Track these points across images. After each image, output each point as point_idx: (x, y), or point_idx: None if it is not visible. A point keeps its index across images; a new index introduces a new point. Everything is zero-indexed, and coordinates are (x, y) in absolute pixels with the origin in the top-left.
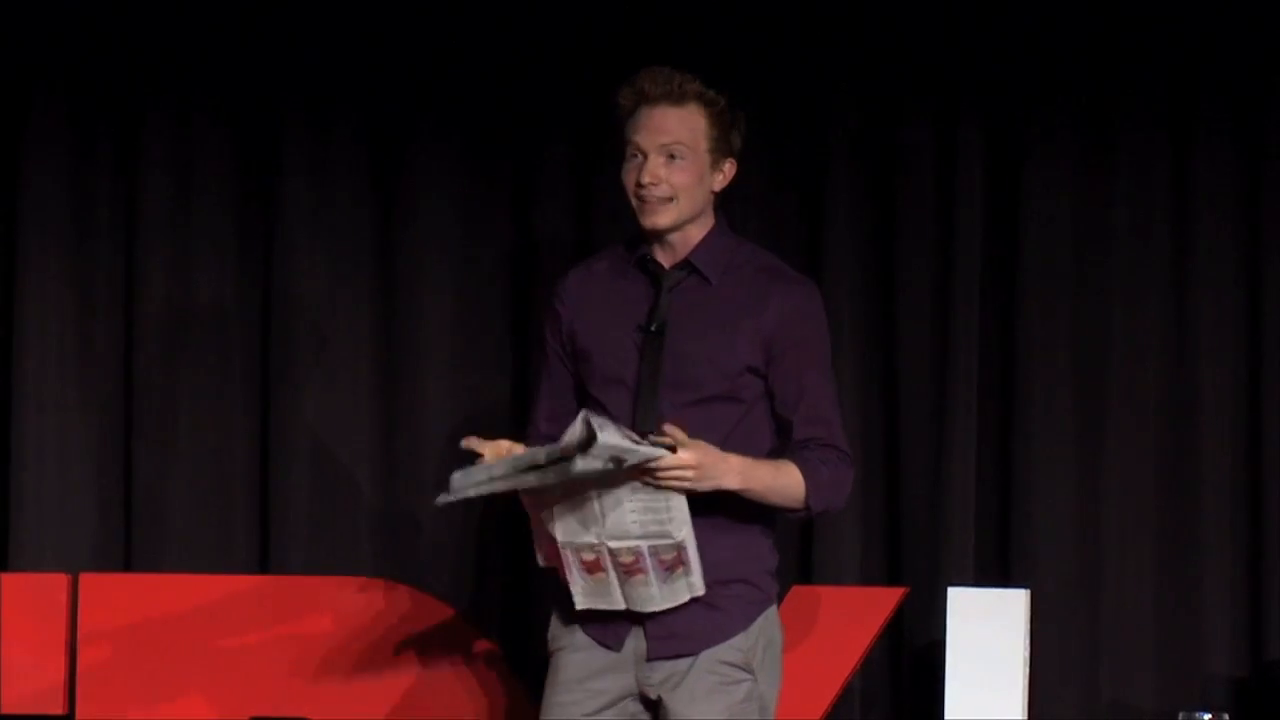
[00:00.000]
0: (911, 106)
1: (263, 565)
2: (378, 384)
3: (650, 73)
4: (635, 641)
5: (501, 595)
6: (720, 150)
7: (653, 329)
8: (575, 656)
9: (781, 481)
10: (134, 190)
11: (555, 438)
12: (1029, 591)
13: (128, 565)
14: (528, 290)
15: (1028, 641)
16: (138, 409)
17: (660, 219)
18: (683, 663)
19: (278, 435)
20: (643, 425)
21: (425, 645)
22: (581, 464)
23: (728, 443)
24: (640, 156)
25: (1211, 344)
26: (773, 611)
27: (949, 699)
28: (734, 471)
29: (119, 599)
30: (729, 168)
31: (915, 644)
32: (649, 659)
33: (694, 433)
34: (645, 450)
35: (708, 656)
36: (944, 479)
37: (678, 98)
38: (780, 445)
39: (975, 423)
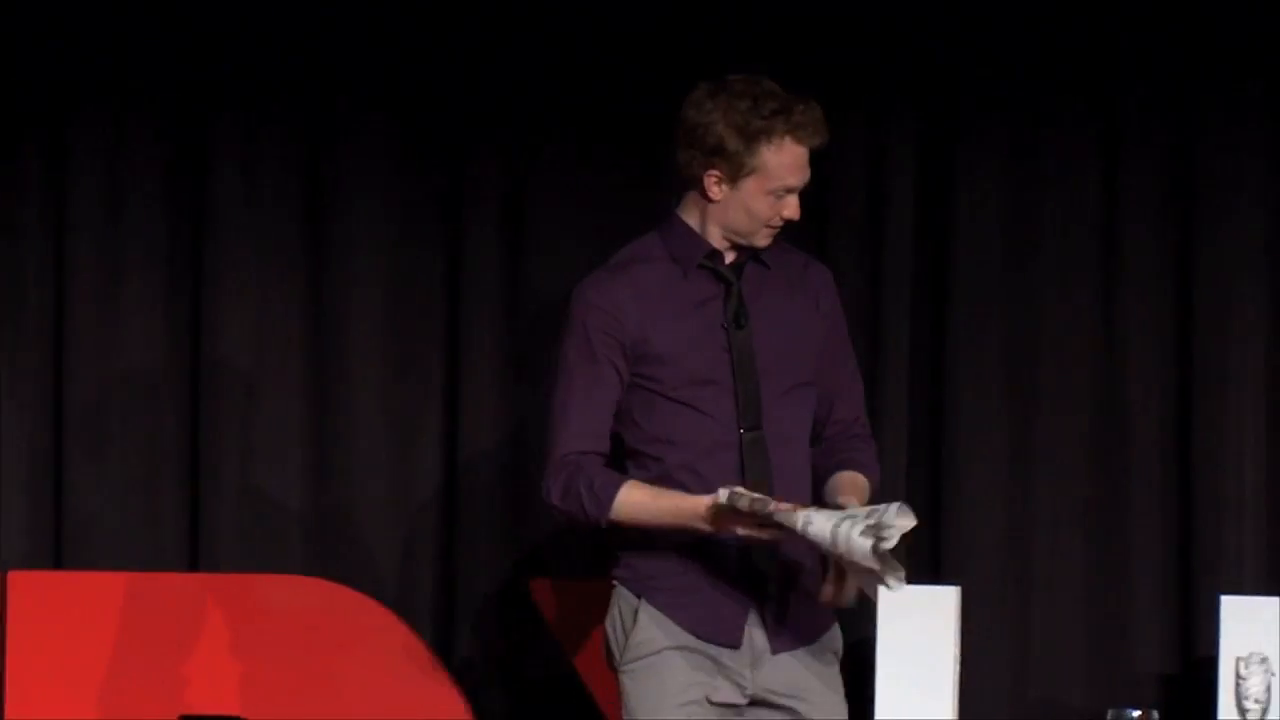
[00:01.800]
0: (842, 110)
1: (193, 563)
2: (309, 383)
3: (812, 111)
4: (750, 639)
5: (433, 593)
6: None
7: (740, 324)
8: (689, 655)
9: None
10: (62, 189)
11: (599, 454)
12: (959, 589)
13: (58, 563)
14: (458, 291)
15: (958, 639)
16: (68, 405)
17: (769, 243)
18: (800, 654)
19: (208, 433)
20: (746, 419)
21: (356, 643)
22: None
23: (808, 428)
24: (785, 194)
25: (1140, 343)
26: None
27: (879, 697)
28: None
29: (48, 597)
30: None
31: (846, 642)
32: (774, 653)
33: (790, 422)
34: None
35: (819, 646)
36: None
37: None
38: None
39: (907, 422)
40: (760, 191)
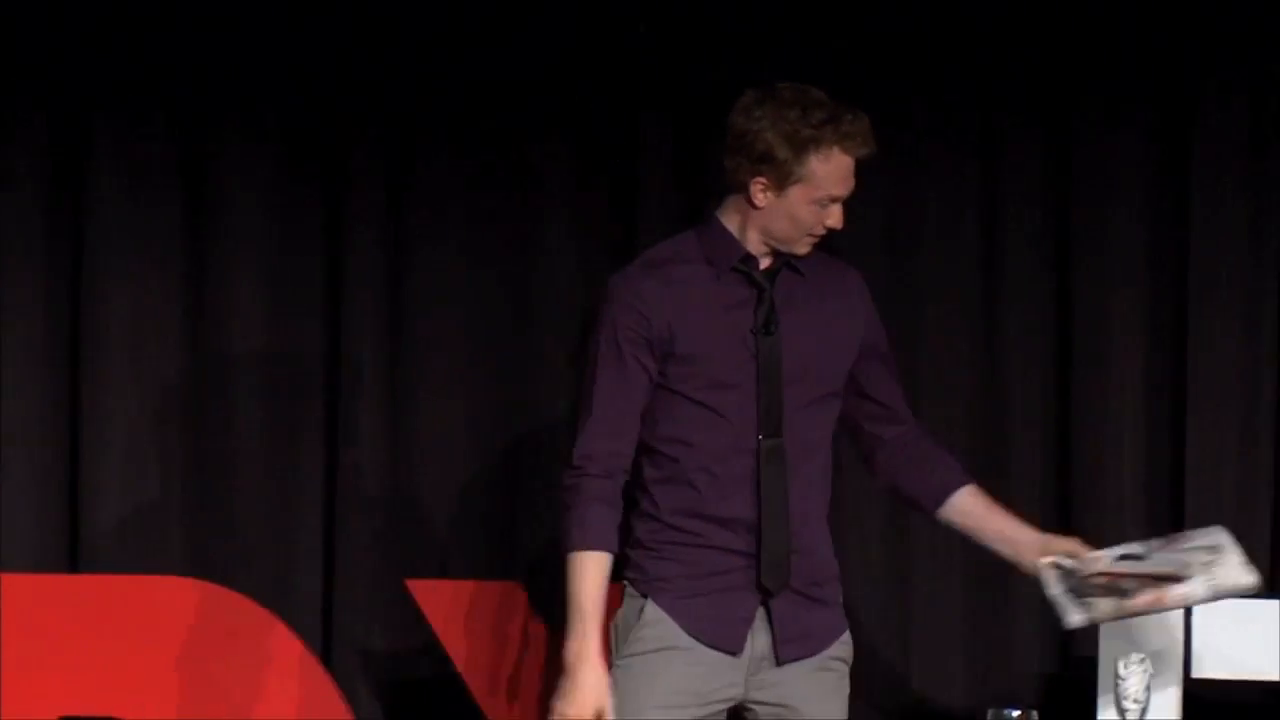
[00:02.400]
0: (722, 107)
1: (72, 564)
2: (188, 383)
3: (860, 121)
4: (751, 646)
5: (312, 594)
6: None
7: (768, 330)
8: (686, 657)
9: None
10: None
11: (621, 455)
12: None
13: None
14: (340, 289)
15: None
16: None
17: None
18: (807, 663)
19: (89, 433)
20: (766, 427)
21: (235, 644)
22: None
23: (829, 438)
24: (829, 204)
25: (1021, 343)
26: None
27: None
28: None
29: None
30: None
31: None
32: (780, 663)
33: (813, 431)
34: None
35: (826, 655)
36: None
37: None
38: (872, 427)
39: None
40: (806, 200)
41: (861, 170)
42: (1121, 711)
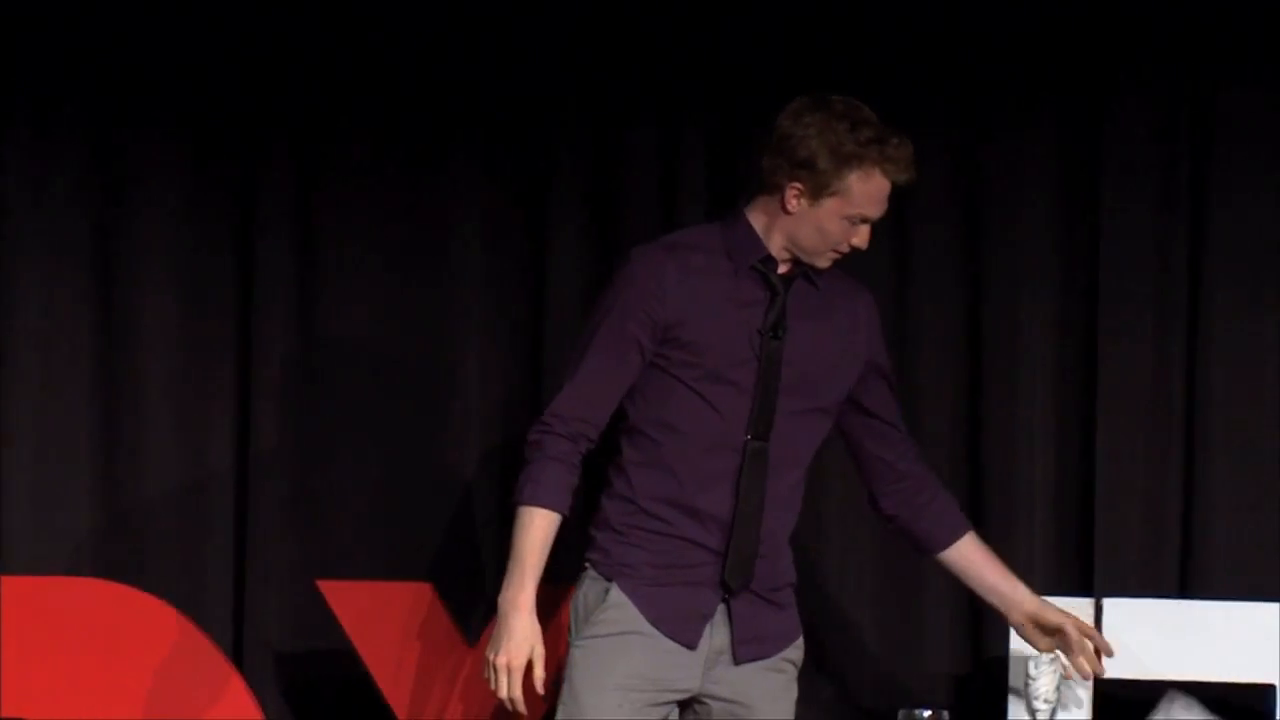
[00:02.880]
0: (635, 110)
1: None
2: (98, 384)
3: (905, 147)
4: (709, 640)
5: (223, 594)
6: None
7: (776, 334)
8: (645, 644)
9: None
10: None
11: (589, 423)
12: None
13: None
14: (250, 291)
15: None
16: None
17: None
18: (761, 663)
19: None
20: (756, 428)
21: (145, 645)
22: None
23: (810, 453)
24: (860, 223)
25: (931, 341)
26: None
27: None
28: None
29: None
30: None
31: None
32: (737, 662)
33: (797, 442)
34: None
35: (779, 656)
36: None
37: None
38: (877, 449)
39: None
40: (838, 214)
41: None
42: (1032, 711)
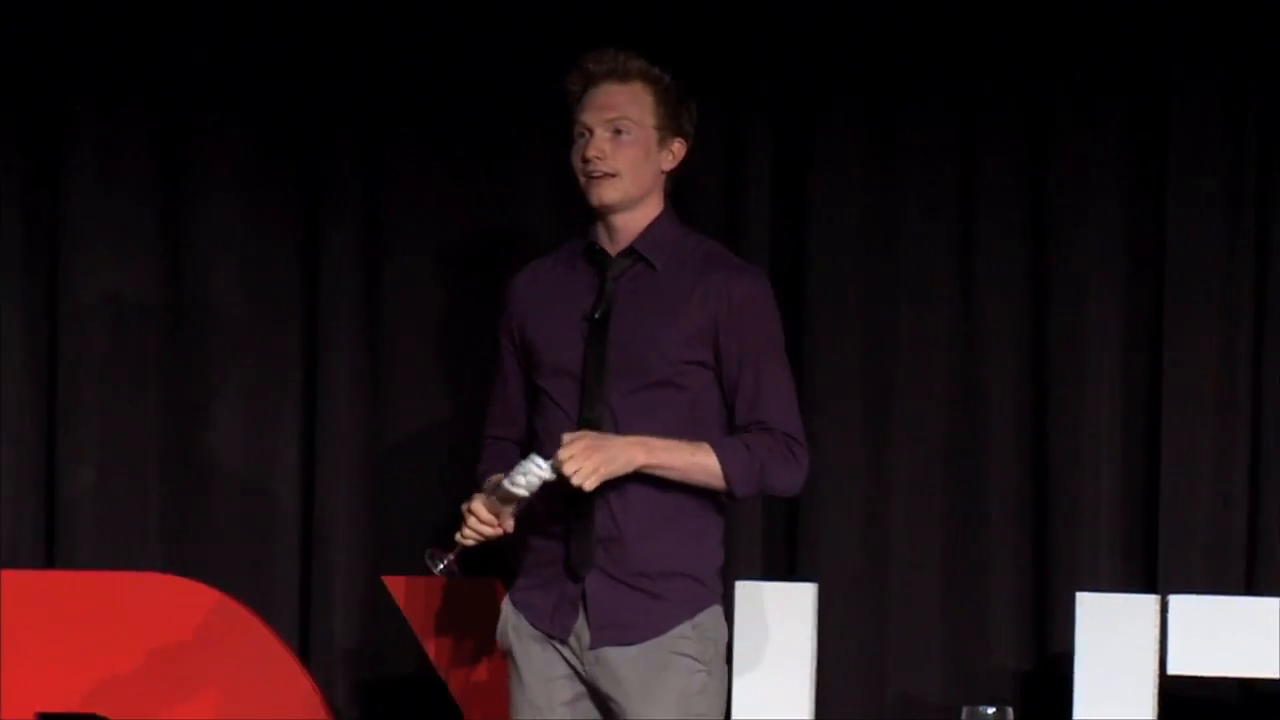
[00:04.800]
0: (698, 107)
1: (50, 560)
2: (167, 381)
3: (595, 54)
4: (580, 630)
5: (290, 590)
6: (668, 129)
7: (597, 317)
8: (533, 650)
9: (699, 460)
10: None
11: (502, 441)
12: (816, 586)
13: None
14: (317, 287)
15: (815, 636)
16: None
17: (606, 194)
18: (631, 651)
19: (65, 430)
20: (590, 414)
21: (213, 640)
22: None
23: (673, 431)
24: (587, 134)
25: (997, 340)
26: (718, 610)
27: (736, 695)
28: (635, 444)
29: None
30: (678, 148)
31: None
32: (591, 647)
33: (639, 419)
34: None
35: (657, 646)
36: None
37: (622, 75)
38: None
39: None
40: (574, 139)
41: (836, 178)
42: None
